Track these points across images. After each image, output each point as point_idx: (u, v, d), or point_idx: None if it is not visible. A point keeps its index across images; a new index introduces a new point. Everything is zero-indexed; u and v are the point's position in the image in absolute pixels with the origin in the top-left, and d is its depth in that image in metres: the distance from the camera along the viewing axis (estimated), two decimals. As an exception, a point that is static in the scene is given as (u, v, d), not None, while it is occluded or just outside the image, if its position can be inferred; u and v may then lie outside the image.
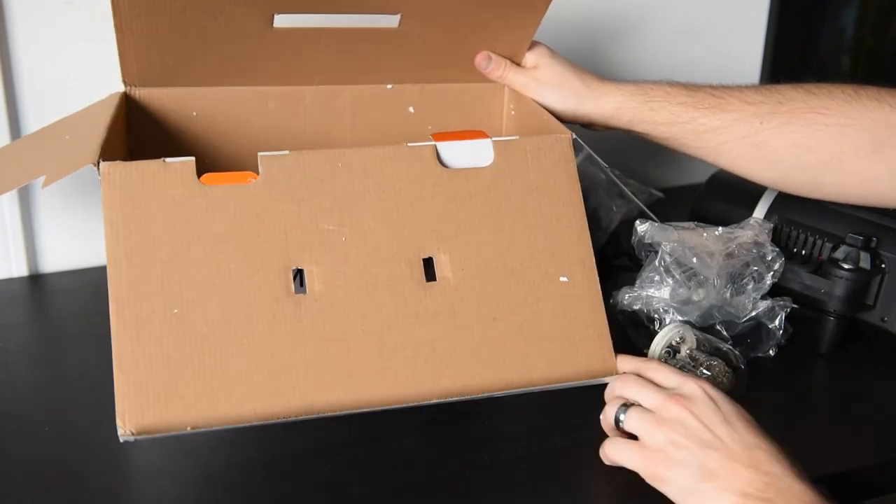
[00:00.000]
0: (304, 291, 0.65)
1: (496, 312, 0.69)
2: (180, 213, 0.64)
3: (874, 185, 0.77)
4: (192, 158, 0.66)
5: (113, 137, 0.71)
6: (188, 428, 0.60)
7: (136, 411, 0.60)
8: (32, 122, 0.96)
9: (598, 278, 0.73)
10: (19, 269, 1.00)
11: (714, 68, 1.24)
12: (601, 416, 0.69)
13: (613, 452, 0.66)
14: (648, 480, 0.63)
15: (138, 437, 0.59)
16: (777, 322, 0.82)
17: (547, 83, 0.86)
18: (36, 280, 1.00)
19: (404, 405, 0.65)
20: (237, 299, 0.63)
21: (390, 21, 0.79)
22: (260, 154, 0.67)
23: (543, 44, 0.88)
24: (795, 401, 0.80)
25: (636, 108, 0.84)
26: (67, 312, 0.93)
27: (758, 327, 0.83)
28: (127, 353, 0.60)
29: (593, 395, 0.71)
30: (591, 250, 0.74)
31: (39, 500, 0.63)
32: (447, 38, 0.83)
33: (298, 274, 0.65)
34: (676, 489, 0.61)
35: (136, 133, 0.81)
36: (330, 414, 0.63)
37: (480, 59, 0.88)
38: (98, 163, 0.64)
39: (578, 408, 0.73)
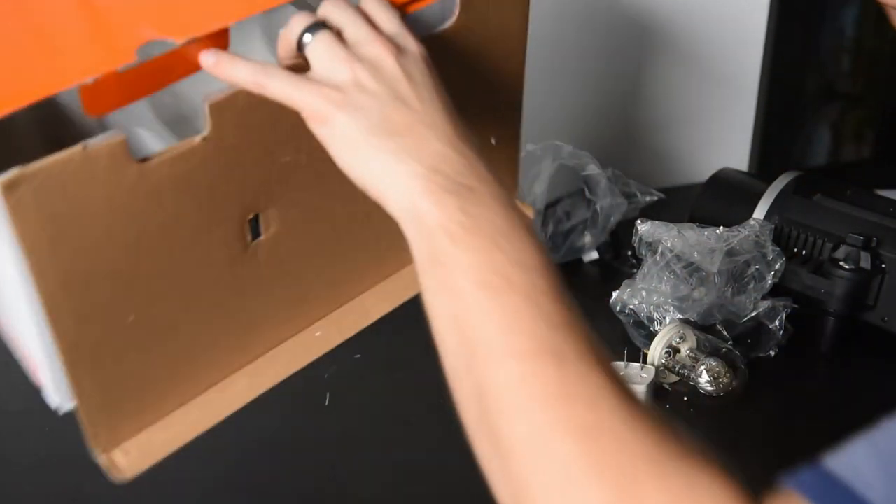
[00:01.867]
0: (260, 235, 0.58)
1: None
2: (116, 211, 0.51)
3: None
4: (123, 136, 0.50)
5: None
6: (168, 424, 0.57)
7: (110, 432, 0.55)
8: (32, 122, 0.96)
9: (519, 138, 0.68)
10: (19, 269, 1.00)
11: (713, 68, 1.24)
12: (281, 33, 0.52)
13: (274, 76, 0.50)
14: (308, 120, 0.49)
15: (125, 469, 0.56)
16: (777, 322, 0.82)
17: None
18: (36, 280, 1.00)
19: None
20: (192, 278, 0.56)
21: None
22: (208, 102, 0.52)
23: None
24: (795, 401, 0.80)
25: None
26: (67, 312, 0.93)
27: (758, 327, 0.83)
28: (86, 383, 0.53)
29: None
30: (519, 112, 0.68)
31: (39, 500, 0.63)
32: None
33: (255, 220, 0.58)
34: (340, 136, 0.49)
35: None
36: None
37: None
38: None
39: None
